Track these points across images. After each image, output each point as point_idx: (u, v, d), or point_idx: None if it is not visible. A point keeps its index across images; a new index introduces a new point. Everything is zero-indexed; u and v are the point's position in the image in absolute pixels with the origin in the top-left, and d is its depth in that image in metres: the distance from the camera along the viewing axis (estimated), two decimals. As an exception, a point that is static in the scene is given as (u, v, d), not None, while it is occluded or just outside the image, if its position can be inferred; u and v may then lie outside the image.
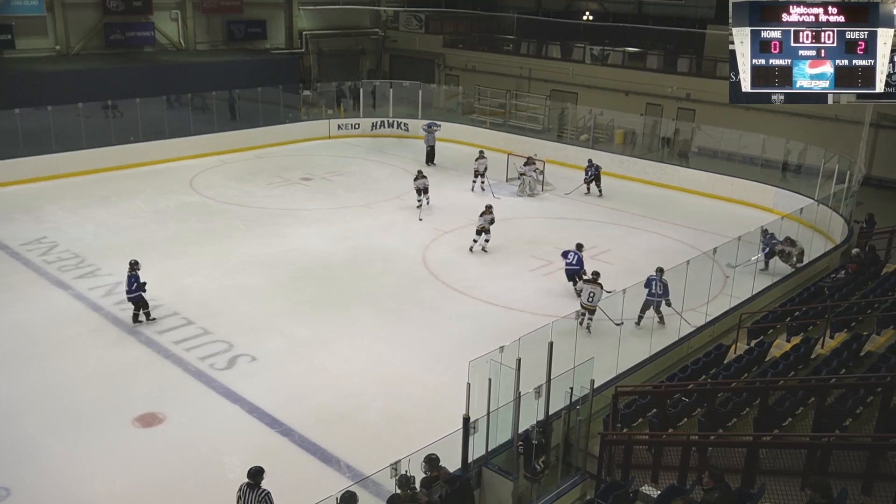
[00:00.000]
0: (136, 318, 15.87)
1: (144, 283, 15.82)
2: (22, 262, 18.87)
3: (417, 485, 9.25)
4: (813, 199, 23.48)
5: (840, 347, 13.23)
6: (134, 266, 15.85)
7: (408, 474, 9.10)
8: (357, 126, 34.09)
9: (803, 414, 11.17)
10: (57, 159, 25.96)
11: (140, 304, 15.84)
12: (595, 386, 11.02)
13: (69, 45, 34.13)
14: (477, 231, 20.35)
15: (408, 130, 33.06)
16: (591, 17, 42.37)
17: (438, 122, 31.91)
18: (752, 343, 14.38)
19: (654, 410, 11.46)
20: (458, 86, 38.03)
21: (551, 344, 10.68)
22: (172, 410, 12.93)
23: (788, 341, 14.55)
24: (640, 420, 11.64)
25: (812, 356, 13.46)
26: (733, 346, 14.25)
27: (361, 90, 35.28)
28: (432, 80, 40.27)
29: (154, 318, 16.00)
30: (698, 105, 31.58)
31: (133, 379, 13.95)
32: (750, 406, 11.52)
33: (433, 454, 9.52)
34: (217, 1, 37.91)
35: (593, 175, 25.89)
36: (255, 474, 9.37)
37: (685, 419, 11.52)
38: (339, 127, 33.78)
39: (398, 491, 9.04)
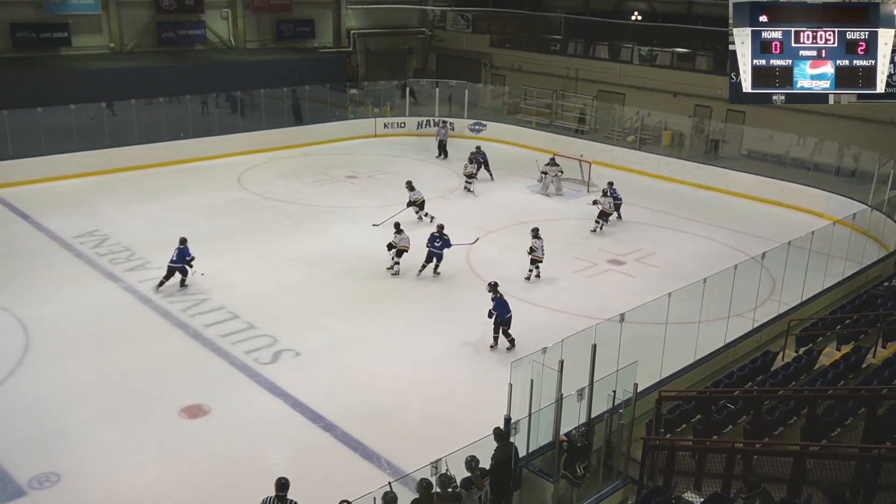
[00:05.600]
0: (160, 284, 17.37)
1: (192, 258, 17.43)
2: (75, 255, 19.34)
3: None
4: (867, 204, 22.93)
5: (892, 357, 12.90)
6: (184, 241, 17.44)
7: (449, 473, 9.10)
8: (403, 125, 34.25)
9: (853, 425, 10.91)
10: (109, 154, 26.57)
11: (179, 273, 17.39)
12: (638, 390, 10.90)
13: (123, 43, 34.84)
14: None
15: (454, 130, 33.08)
16: (639, 18, 41.89)
17: (482, 122, 31.89)
18: (801, 351, 14.09)
19: (699, 416, 11.29)
20: (504, 85, 37.97)
21: (594, 346, 10.60)
22: (217, 403, 13.14)
23: (839, 349, 14.22)
24: (683, 426, 11.48)
25: (863, 365, 13.13)
26: (781, 354, 13.98)
27: (408, 89, 35.42)
28: (478, 79, 40.24)
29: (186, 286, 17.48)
30: (749, 107, 31.02)
31: (179, 371, 14.21)
32: (797, 415, 11.29)
33: (473, 455, 9.52)
34: (267, 0, 38.37)
35: None
36: (283, 486, 9.09)
37: (730, 426, 11.33)
38: (385, 125, 33.97)
39: (438, 489, 9.04)
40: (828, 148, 26.60)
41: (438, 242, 18.83)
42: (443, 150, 30.43)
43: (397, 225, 19.16)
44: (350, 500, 8.33)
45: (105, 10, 33.85)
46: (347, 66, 40.32)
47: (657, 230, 22.85)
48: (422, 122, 34.38)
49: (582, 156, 27.69)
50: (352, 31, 41.71)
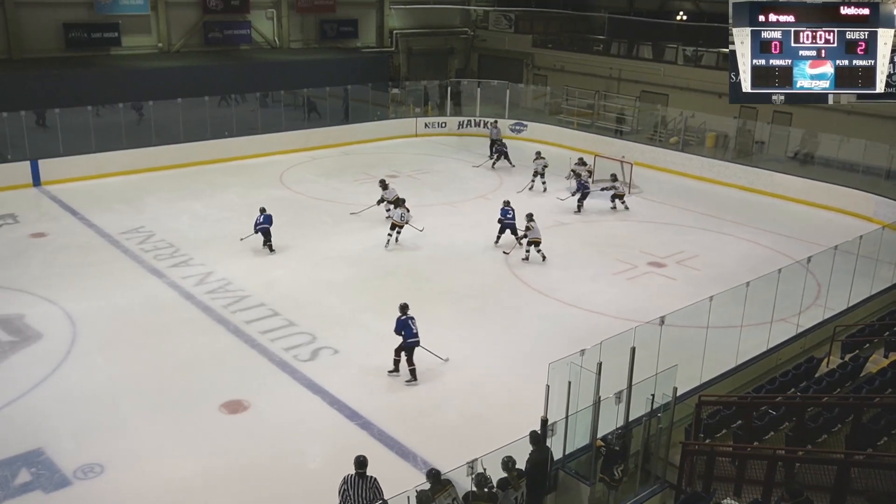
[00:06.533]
0: (265, 244, 19.91)
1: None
2: (121, 250, 19.74)
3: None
4: (918, 208, 22.39)
5: (943, 366, 12.55)
6: (264, 210, 20.05)
7: (486, 473, 9.09)
8: (444, 125, 34.30)
9: (900, 434, 10.67)
10: (156, 152, 27.08)
11: (267, 235, 19.79)
12: (678, 394, 10.78)
13: (170, 43, 35.45)
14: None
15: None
16: (684, 18, 41.40)
17: (523, 122, 31.87)
18: (847, 357, 13.79)
19: (740, 422, 11.13)
20: (546, 86, 37.80)
21: (633, 349, 10.51)
22: (256, 398, 13.30)
23: (886, 357, 13.89)
24: (723, 431, 11.32)
25: (912, 373, 12.81)
26: (826, 360, 13.72)
27: (449, 89, 35.47)
28: (520, 79, 40.13)
29: (273, 250, 19.84)
30: (795, 108, 30.46)
31: (220, 366, 14.42)
32: (842, 423, 11.07)
33: (510, 456, 9.50)
34: (311, 0, 38.72)
35: None
36: (363, 463, 9.29)
37: (772, 433, 11.15)
38: (426, 125, 34.06)
39: (474, 489, 9.05)
40: (877, 150, 25.98)
41: (511, 214, 20.35)
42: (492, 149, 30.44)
43: (400, 201, 21.10)
44: (385, 499, 8.38)
45: (154, 11, 34.48)
46: (390, 66, 40.49)
47: (699, 233, 22.57)
48: (462, 122, 34.40)
49: (624, 157, 27.45)
50: (394, 31, 41.88)
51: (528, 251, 19.75)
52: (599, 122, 34.07)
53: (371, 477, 9.26)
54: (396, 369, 14.17)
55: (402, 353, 14.03)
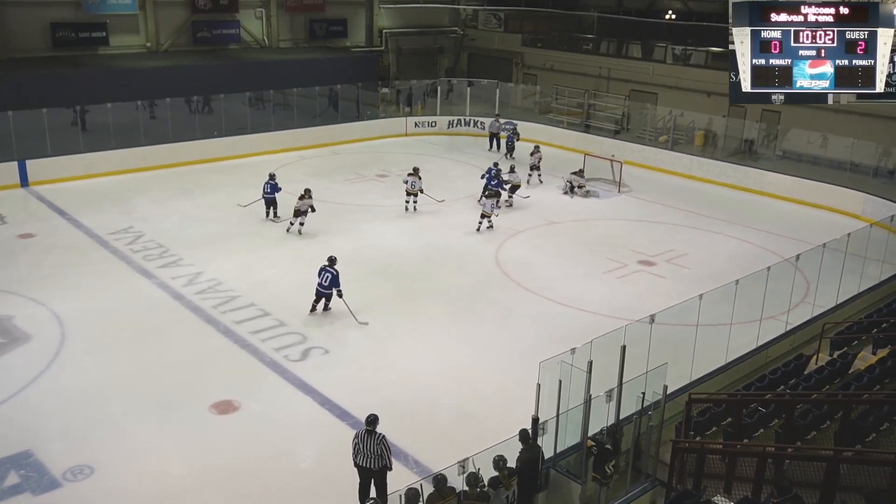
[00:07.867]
0: (267, 215, 21.39)
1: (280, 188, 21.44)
2: (110, 251, 19.64)
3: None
4: (906, 206, 22.49)
5: (930, 362, 12.62)
6: (273, 176, 21.35)
7: (479, 473, 9.09)
8: (434, 124, 34.30)
9: (888, 430, 10.72)
10: (145, 152, 26.96)
11: (272, 204, 21.28)
12: (668, 392, 10.81)
13: (159, 43, 35.31)
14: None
15: (484, 129, 33.10)
16: (673, 17, 41.52)
17: (513, 121, 32.08)
18: (835, 354, 13.88)
19: (729, 419, 11.18)
20: (536, 85, 37.85)
21: (624, 347, 10.53)
22: (247, 399, 13.26)
23: (874, 354, 13.97)
24: (713, 429, 11.37)
25: (899, 370, 12.88)
26: (815, 357, 13.78)
27: (439, 88, 35.48)
28: (510, 79, 40.16)
29: (279, 217, 21.49)
30: (784, 107, 30.58)
31: (210, 367, 14.37)
32: (831, 419, 11.12)
33: (501, 455, 9.51)
34: (300, 0, 38.63)
35: None
36: (373, 422, 10.12)
37: (761, 430, 11.20)
38: (415, 125, 34.05)
39: (466, 489, 9.05)
40: (866, 148, 26.13)
41: (495, 181, 23.03)
42: (498, 144, 31.23)
43: (415, 170, 23.17)
44: (377, 499, 8.37)
45: (142, 10, 34.34)
46: (379, 66, 40.46)
47: (689, 231, 22.64)
48: (453, 121, 34.40)
49: (613, 156, 27.52)
50: (384, 31, 41.85)
51: (480, 222, 21.68)
52: (589, 121, 34.11)
53: (379, 434, 10.09)
54: (313, 308, 16.38)
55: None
